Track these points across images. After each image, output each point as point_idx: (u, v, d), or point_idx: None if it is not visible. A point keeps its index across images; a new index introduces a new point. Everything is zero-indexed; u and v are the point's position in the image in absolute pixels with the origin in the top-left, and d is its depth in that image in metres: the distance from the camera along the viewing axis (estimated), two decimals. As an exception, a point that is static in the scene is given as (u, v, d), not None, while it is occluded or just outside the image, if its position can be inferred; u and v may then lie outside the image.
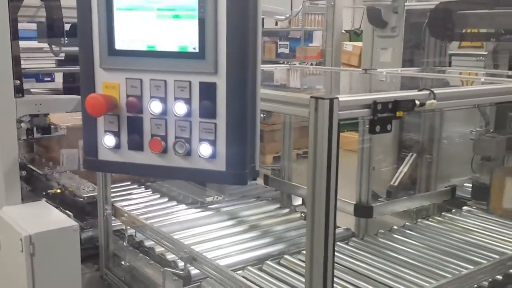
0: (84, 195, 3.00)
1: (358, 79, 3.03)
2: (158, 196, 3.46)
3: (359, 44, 6.26)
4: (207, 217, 3.12)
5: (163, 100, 1.33)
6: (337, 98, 1.51)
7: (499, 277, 2.42)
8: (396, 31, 3.55)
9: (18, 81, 2.60)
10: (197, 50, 1.28)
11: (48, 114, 3.33)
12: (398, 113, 1.65)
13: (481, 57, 4.68)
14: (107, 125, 1.38)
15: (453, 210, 3.34)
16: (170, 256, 2.62)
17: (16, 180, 2.62)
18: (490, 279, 2.38)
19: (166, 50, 1.30)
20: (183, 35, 1.29)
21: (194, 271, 2.42)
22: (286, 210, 3.29)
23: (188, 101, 1.31)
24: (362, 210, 2.88)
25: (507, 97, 1.97)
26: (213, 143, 1.30)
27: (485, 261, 2.49)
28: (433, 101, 1.73)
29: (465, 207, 3.44)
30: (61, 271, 2.36)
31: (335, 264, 1.82)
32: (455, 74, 3.51)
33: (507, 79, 2.61)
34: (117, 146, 1.38)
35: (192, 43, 1.28)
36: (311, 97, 1.52)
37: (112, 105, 1.35)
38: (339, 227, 2.95)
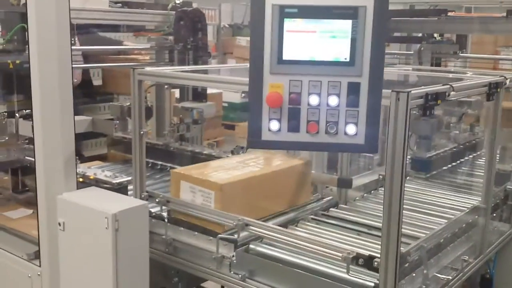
0: (114, 182, 3.35)
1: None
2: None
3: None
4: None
5: (319, 95, 1.87)
6: (410, 91, 2.15)
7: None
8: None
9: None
10: (348, 60, 1.84)
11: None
12: (438, 101, 2.33)
13: (396, 55, 5.58)
14: (272, 114, 1.89)
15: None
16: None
17: (73, 169, 2.94)
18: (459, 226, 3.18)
19: (323, 60, 1.85)
20: (337, 49, 1.84)
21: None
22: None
23: (338, 95, 1.87)
24: (344, 182, 3.60)
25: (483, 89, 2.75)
26: (356, 125, 1.88)
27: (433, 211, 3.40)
28: (453, 92, 2.43)
29: (407, 177, 4.27)
30: (136, 243, 2.75)
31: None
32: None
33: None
34: (279, 130, 1.90)
35: (344, 55, 1.84)
36: (392, 91, 2.15)
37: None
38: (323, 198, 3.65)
